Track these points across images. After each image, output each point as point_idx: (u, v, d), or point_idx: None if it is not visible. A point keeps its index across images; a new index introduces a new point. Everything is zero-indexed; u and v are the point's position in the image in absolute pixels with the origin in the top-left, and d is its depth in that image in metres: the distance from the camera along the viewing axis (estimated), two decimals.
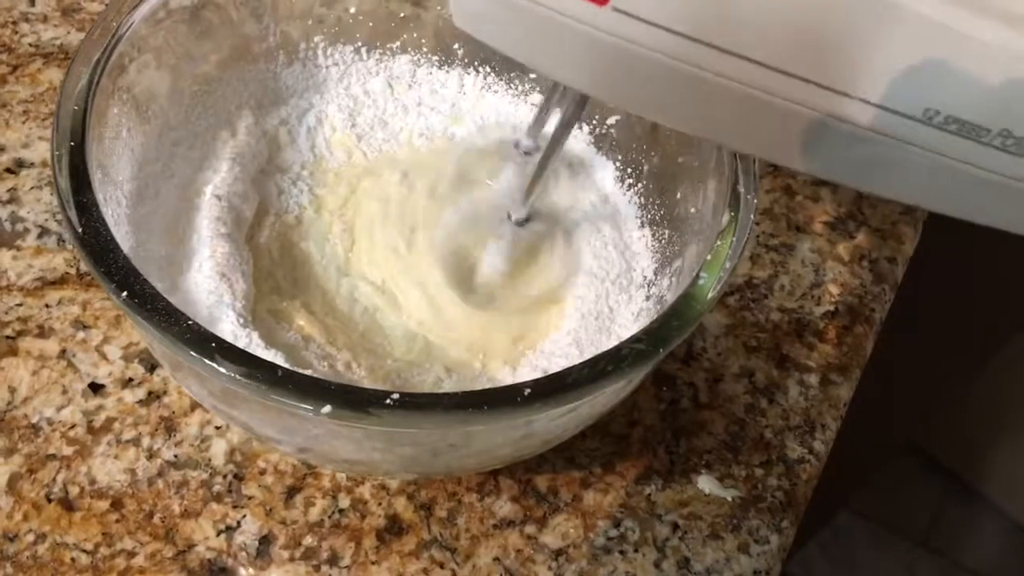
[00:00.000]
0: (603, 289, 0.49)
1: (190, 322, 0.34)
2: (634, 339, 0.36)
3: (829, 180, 0.35)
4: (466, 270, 0.49)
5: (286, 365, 0.39)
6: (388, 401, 0.33)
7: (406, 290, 0.48)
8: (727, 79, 0.30)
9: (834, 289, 0.58)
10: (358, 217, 0.51)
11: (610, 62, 0.31)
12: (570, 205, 0.52)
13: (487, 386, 0.41)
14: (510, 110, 0.56)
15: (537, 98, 0.55)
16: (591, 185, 0.53)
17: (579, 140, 0.54)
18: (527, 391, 0.34)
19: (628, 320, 0.48)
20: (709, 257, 0.39)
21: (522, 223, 0.48)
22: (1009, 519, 1.56)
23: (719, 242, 0.39)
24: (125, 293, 0.35)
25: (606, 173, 0.53)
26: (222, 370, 0.33)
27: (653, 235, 0.50)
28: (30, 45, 0.63)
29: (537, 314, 0.49)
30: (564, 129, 0.41)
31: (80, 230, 0.36)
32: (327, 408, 0.33)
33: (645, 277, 0.49)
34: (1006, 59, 0.29)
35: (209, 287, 0.46)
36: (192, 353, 0.34)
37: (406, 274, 0.49)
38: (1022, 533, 1.55)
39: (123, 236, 0.40)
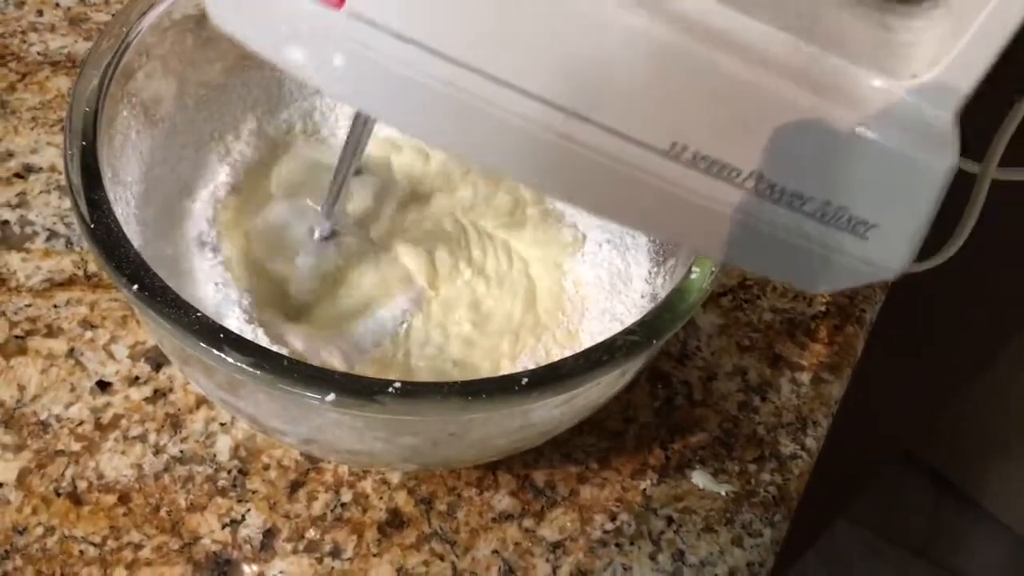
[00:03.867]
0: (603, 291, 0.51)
1: (199, 314, 0.36)
2: (628, 331, 0.37)
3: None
4: (278, 283, 0.49)
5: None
6: (390, 389, 0.34)
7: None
8: (462, 91, 0.30)
9: None
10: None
11: (351, 66, 0.30)
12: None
13: None
14: None
15: None
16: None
17: None
18: (524, 380, 0.35)
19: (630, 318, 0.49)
20: None
21: (328, 238, 0.49)
22: (1006, 528, 1.57)
23: None
24: (136, 286, 0.36)
25: None
26: (230, 360, 0.35)
27: (649, 236, 0.51)
28: (38, 54, 0.65)
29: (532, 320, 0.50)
30: (354, 141, 0.43)
31: (92, 225, 0.38)
32: (331, 396, 0.34)
33: (642, 277, 0.50)
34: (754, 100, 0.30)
35: (215, 286, 0.47)
36: (201, 344, 0.35)
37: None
38: (1019, 542, 1.56)
39: (132, 235, 0.41)
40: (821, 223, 0.31)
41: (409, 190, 0.54)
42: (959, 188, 0.33)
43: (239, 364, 0.34)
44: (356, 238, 0.51)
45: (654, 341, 0.37)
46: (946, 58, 0.29)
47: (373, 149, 0.54)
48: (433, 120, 0.31)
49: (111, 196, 0.39)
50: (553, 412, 0.40)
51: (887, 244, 0.32)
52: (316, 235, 0.49)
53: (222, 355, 0.35)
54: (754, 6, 0.30)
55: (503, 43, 0.29)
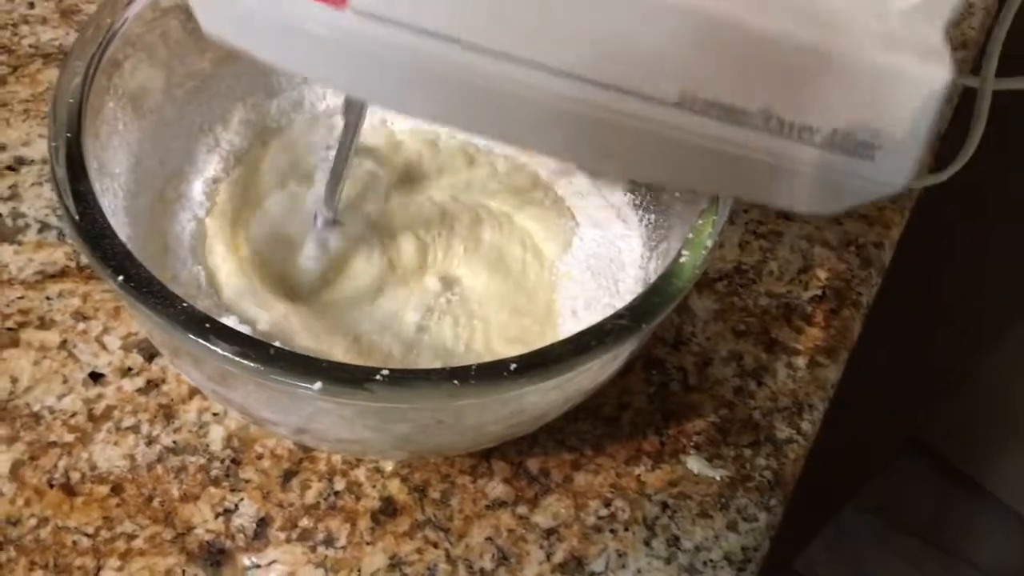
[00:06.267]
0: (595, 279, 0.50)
1: (185, 304, 0.35)
2: (617, 315, 0.37)
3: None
4: (281, 268, 0.49)
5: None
6: (378, 377, 0.34)
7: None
8: (478, 75, 0.30)
9: (822, 274, 0.59)
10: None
11: (359, 65, 0.30)
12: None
13: None
14: None
15: None
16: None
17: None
18: (513, 365, 0.35)
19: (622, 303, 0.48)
20: (691, 236, 0.40)
21: (331, 226, 0.49)
22: (1014, 514, 1.57)
23: (700, 221, 0.40)
24: (122, 277, 0.36)
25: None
26: (217, 350, 0.34)
27: (640, 221, 0.51)
28: (30, 46, 0.65)
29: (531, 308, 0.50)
30: (351, 130, 0.43)
31: (77, 218, 0.37)
32: (318, 384, 0.34)
33: (636, 263, 0.50)
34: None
35: (204, 279, 0.47)
36: (189, 335, 0.35)
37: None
38: None
39: (120, 227, 0.41)
40: (829, 151, 0.32)
41: (405, 172, 0.54)
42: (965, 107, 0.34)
43: (226, 354, 0.34)
44: (357, 224, 0.50)
45: (643, 325, 0.37)
46: None
47: (371, 132, 0.54)
48: (448, 103, 0.31)
49: (98, 188, 0.39)
50: (545, 398, 0.40)
51: (892, 162, 0.33)
52: (319, 223, 0.49)
53: (209, 345, 0.34)
54: None
55: (515, 20, 0.29)
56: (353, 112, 0.43)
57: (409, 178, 0.54)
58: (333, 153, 0.46)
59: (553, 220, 0.53)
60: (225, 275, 0.47)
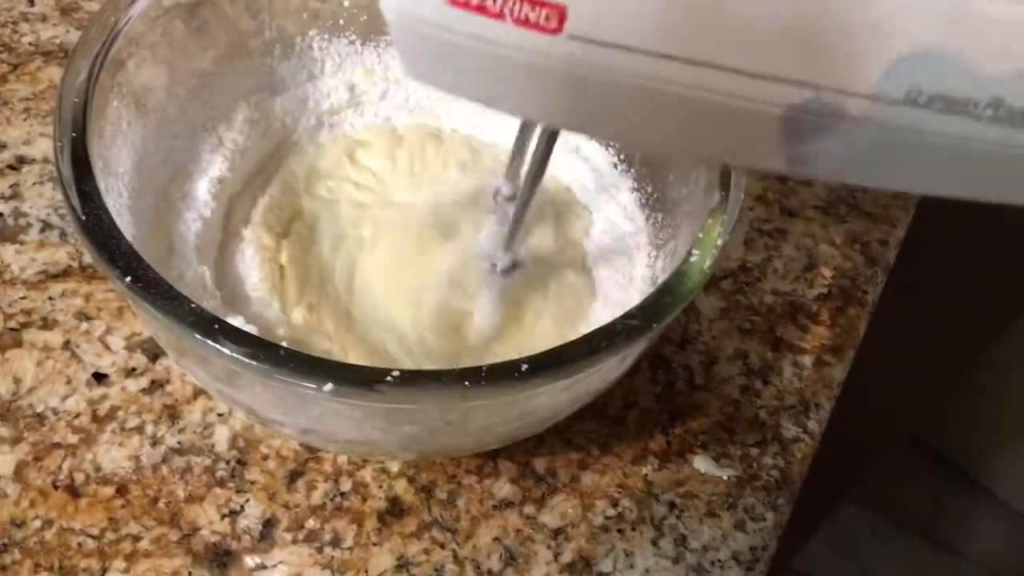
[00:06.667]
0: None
1: (193, 305, 0.35)
2: (628, 315, 0.37)
3: (824, 180, 0.33)
4: (455, 323, 0.48)
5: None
6: (389, 378, 0.34)
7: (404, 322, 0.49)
8: (704, 91, 0.29)
9: (827, 272, 0.59)
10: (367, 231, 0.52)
11: (574, 92, 0.29)
12: (558, 247, 0.53)
13: None
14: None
15: None
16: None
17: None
18: (524, 366, 0.35)
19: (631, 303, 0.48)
20: (701, 235, 0.40)
21: (508, 271, 0.47)
22: (1011, 510, 1.57)
23: (710, 220, 0.40)
24: (129, 278, 0.36)
25: (598, 156, 0.54)
26: (226, 351, 0.34)
27: (647, 220, 0.51)
28: (30, 44, 0.64)
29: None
30: (539, 167, 0.40)
31: (83, 217, 0.37)
32: (329, 386, 0.34)
33: (644, 262, 0.50)
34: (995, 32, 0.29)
35: (210, 279, 0.47)
36: (197, 336, 0.35)
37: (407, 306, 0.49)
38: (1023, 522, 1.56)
39: (125, 226, 0.40)
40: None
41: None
42: None
43: (235, 355, 0.34)
44: (529, 266, 0.49)
45: (654, 325, 0.37)
46: None
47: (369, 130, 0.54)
48: (669, 125, 0.30)
49: (103, 187, 0.39)
50: (555, 399, 0.40)
51: None
52: (499, 268, 0.47)
53: (219, 347, 0.34)
54: None
55: (729, 29, 0.28)
56: (540, 144, 0.40)
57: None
58: (503, 195, 0.46)
59: (564, 220, 0.53)
60: (254, 286, 0.48)
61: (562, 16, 0.27)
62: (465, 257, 0.49)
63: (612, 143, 0.53)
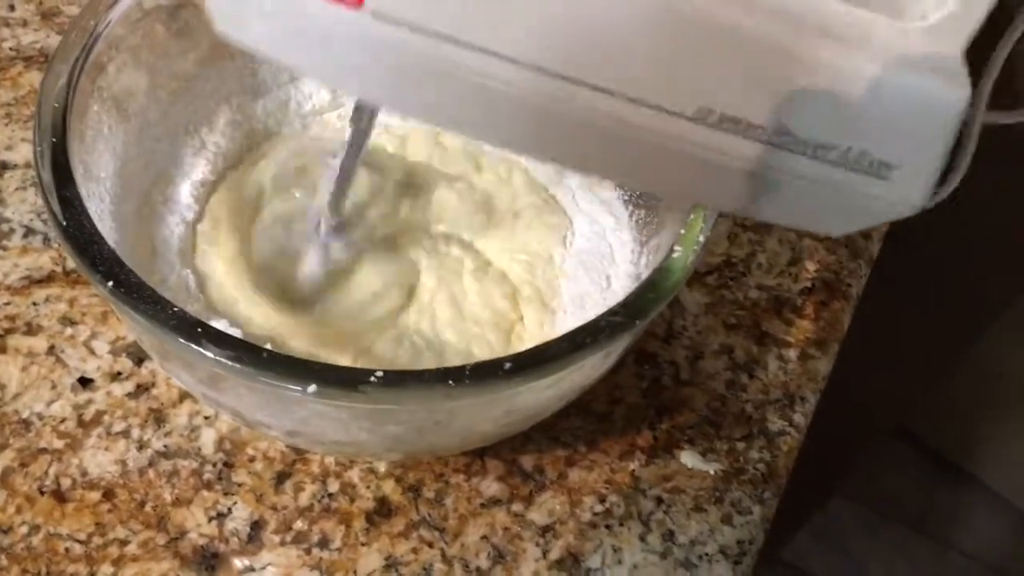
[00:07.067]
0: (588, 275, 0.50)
1: (176, 309, 0.35)
2: (611, 312, 0.37)
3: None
4: (281, 276, 0.49)
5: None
6: (372, 378, 0.34)
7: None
8: (491, 79, 0.30)
9: (811, 266, 0.59)
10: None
11: (380, 66, 0.30)
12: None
13: None
14: None
15: None
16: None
17: None
18: (508, 364, 0.35)
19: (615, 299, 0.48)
20: (683, 231, 0.40)
21: (336, 234, 0.49)
22: (1001, 500, 1.57)
23: (692, 215, 0.40)
24: (111, 283, 0.36)
25: None
26: (210, 355, 0.34)
27: (631, 216, 0.51)
28: (10, 49, 0.64)
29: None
30: (357, 138, 0.42)
31: (64, 223, 0.37)
32: (313, 387, 0.34)
33: (627, 259, 0.50)
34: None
35: (193, 282, 0.47)
36: (180, 340, 0.35)
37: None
38: (1015, 513, 1.56)
39: (107, 231, 0.40)
40: (844, 169, 0.32)
41: (406, 181, 0.53)
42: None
43: (219, 359, 0.34)
44: (360, 233, 0.50)
45: (637, 321, 0.37)
46: None
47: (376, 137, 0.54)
48: (455, 107, 0.31)
49: (84, 193, 0.39)
50: (539, 396, 0.40)
51: (908, 182, 0.33)
52: (323, 231, 0.48)
53: (202, 350, 0.34)
54: None
55: (526, 24, 0.29)
56: (363, 117, 0.42)
57: (415, 184, 0.53)
58: (337, 160, 0.45)
59: (548, 219, 0.53)
60: (217, 282, 0.47)
61: None
62: (295, 212, 0.51)
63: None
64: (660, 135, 0.31)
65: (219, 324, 0.40)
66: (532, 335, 0.49)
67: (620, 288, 0.49)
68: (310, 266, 0.48)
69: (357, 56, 0.29)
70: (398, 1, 0.28)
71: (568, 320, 0.49)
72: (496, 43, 0.29)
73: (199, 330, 0.34)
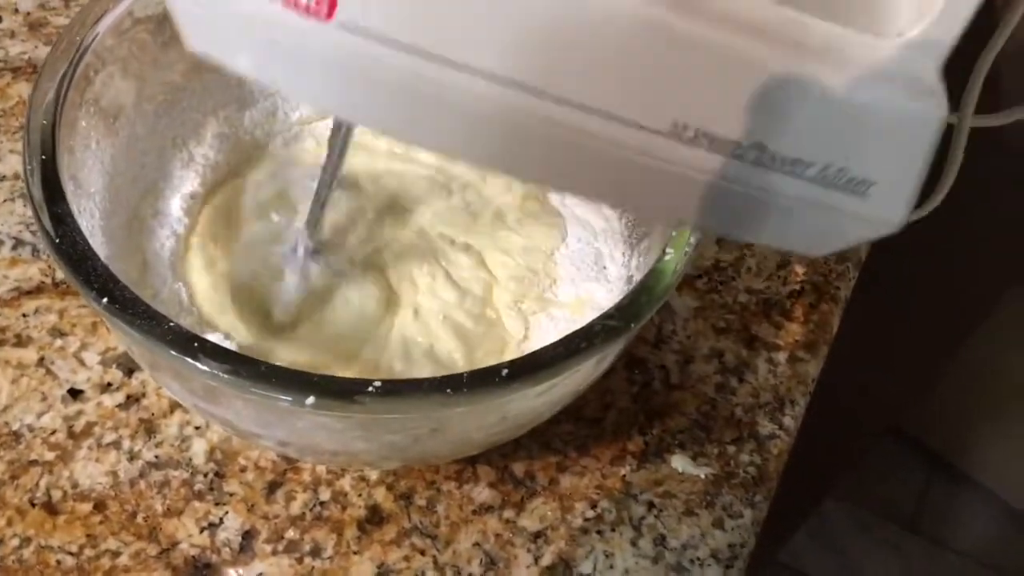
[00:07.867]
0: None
1: (171, 324, 0.35)
2: (606, 315, 0.37)
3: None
4: (261, 298, 0.49)
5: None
6: (370, 389, 0.34)
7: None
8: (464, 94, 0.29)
9: (799, 269, 0.59)
10: None
11: (351, 81, 0.29)
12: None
13: None
14: None
15: None
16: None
17: None
18: (505, 371, 0.35)
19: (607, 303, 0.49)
20: (674, 233, 0.40)
21: (313, 256, 0.49)
22: (995, 499, 1.58)
23: None
24: (106, 299, 0.36)
25: None
26: (206, 368, 0.34)
27: (620, 218, 0.51)
28: None
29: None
30: (332, 158, 0.42)
31: (57, 240, 0.37)
32: (311, 399, 0.34)
33: (617, 261, 0.50)
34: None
35: (186, 295, 0.47)
36: (175, 354, 0.35)
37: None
38: (1008, 512, 1.57)
39: (98, 246, 0.40)
40: (822, 187, 0.32)
41: (387, 203, 0.53)
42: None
43: (216, 372, 0.34)
44: (338, 255, 0.50)
45: (632, 325, 0.37)
46: (930, 13, 0.30)
47: (351, 160, 0.54)
48: (426, 123, 0.30)
49: (75, 208, 0.39)
50: (533, 402, 0.40)
51: (886, 199, 0.32)
52: (299, 253, 0.48)
53: (198, 364, 0.34)
54: None
55: (499, 38, 0.29)
56: (338, 136, 0.42)
57: (396, 206, 0.53)
58: (315, 183, 0.45)
59: (539, 221, 0.53)
60: (202, 296, 0.47)
61: (333, 3, 0.28)
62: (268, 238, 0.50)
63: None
64: (634, 151, 0.30)
65: (214, 337, 0.40)
66: (525, 340, 0.49)
67: (613, 290, 0.49)
68: (287, 289, 0.48)
69: (328, 70, 0.29)
70: (368, 13, 0.28)
71: (561, 324, 0.49)
72: (469, 56, 0.29)
73: (195, 344, 0.34)
